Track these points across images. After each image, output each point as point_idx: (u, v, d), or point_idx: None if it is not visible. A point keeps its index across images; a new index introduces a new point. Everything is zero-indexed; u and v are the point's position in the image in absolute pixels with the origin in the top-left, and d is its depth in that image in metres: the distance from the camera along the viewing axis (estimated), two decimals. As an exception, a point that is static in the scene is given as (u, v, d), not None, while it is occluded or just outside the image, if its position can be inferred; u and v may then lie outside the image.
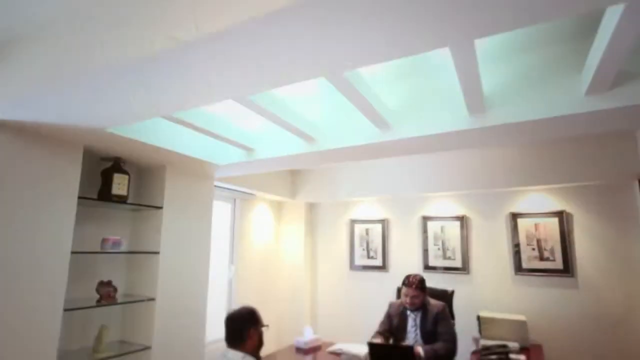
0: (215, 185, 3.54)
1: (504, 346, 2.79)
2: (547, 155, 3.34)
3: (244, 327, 1.90)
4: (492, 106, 1.90)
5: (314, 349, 3.01)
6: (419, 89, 2.12)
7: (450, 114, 2.00)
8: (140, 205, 2.69)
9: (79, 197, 2.22)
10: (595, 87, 1.62)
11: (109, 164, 2.50)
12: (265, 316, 4.60)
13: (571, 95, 1.73)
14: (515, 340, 3.02)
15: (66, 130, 1.99)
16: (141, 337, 2.62)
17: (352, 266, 4.39)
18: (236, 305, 3.88)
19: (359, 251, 4.38)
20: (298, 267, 4.52)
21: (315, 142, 2.40)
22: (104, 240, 2.41)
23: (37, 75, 1.52)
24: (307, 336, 3.11)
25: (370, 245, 4.33)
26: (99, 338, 2.36)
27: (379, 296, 4.01)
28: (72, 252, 2.16)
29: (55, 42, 1.50)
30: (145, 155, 2.55)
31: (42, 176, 2.05)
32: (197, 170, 2.99)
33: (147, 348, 2.56)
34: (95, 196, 2.42)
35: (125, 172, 2.51)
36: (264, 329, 2.03)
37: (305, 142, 2.42)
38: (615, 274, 3.20)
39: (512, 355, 2.76)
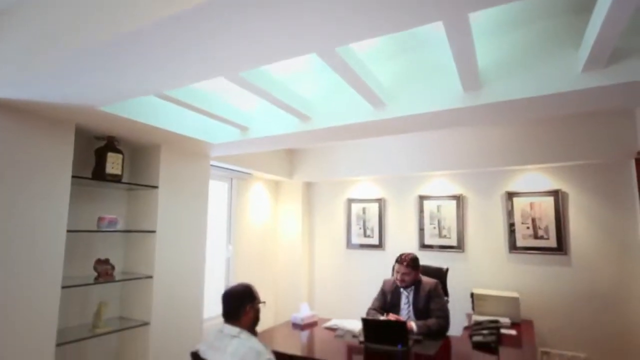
0: (211, 165, 3.54)
1: (496, 321, 2.84)
2: (543, 134, 3.32)
3: (240, 303, 1.94)
4: (487, 83, 1.87)
5: (310, 325, 3.08)
6: (413, 66, 2.08)
7: (444, 92, 1.97)
8: (135, 185, 2.69)
9: (73, 176, 2.22)
10: (591, 64, 1.59)
11: (102, 143, 2.49)
12: (263, 294, 4.67)
13: (567, 72, 1.70)
14: (507, 316, 3.09)
15: (56, 109, 1.97)
16: (140, 314, 2.68)
17: (349, 245, 4.44)
18: (234, 283, 3.96)
19: (355, 230, 4.42)
20: (295, 246, 4.57)
21: (310, 120, 2.38)
22: (99, 219, 2.43)
23: (24, 52, 1.49)
24: (304, 312, 3.16)
25: (367, 224, 4.36)
26: (97, 314, 2.41)
27: (375, 274, 4.07)
28: (68, 231, 2.18)
29: (42, 18, 1.47)
30: (140, 134, 2.53)
31: (34, 155, 2.05)
32: (192, 150, 2.98)
33: (146, 324, 2.62)
34: (89, 175, 2.42)
35: (119, 151, 2.51)
36: (260, 305, 2.07)
37: (300, 121, 2.40)
38: (608, 253, 3.24)
39: (503, 330, 2.83)
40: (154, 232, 2.69)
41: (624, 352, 3.11)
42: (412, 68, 2.09)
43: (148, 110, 2.33)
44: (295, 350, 2.45)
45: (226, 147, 2.89)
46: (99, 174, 2.39)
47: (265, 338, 2.74)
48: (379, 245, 4.25)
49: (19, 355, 1.94)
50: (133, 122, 2.28)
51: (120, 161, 2.48)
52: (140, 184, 2.72)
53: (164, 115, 2.44)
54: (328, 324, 3.07)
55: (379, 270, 4.05)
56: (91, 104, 1.88)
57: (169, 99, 2.14)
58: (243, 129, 2.63)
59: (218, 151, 3.05)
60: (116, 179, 2.46)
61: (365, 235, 4.36)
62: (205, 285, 3.16)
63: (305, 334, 2.88)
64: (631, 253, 3.15)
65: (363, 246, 4.35)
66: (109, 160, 2.41)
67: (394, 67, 2.13)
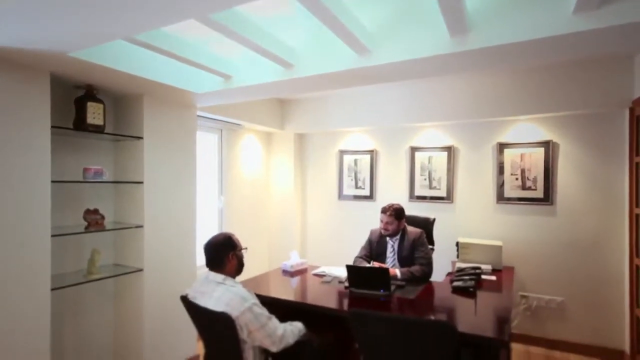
0: (199, 116, 3.49)
1: (477, 268, 2.95)
2: (537, 83, 3.24)
3: (221, 252, 2.00)
4: (474, 27, 1.78)
5: (299, 272, 3.20)
6: (399, 10, 1.97)
7: (431, 37, 1.88)
8: (119, 136, 2.66)
9: (53, 127, 2.19)
10: (582, 5, 1.49)
11: (82, 92, 2.42)
12: (256, 243, 4.84)
13: (558, 15, 1.61)
14: (489, 264, 3.20)
15: (26, 55, 1.89)
16: (133, 261, 2.77)
17: (341, 196, 4.50)
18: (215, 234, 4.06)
19: (347, 181, 4.45)
20: (288, 197, 4.63)
21: (293, 68, 2.29)
22: (85, 170, 2.43)
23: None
24: (293, 260, 3.28)
25: (359, 176, 4.38)
26: (91, 261, 2.49)
27: (365, 225, 4.13)
28: (53, 182, 2.19)
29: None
30: (120, 83, 2.46)
31: (9, 104, 2.00)
32: (176, 100, 2.91)
33: (140, 270, 2.72)
34: (71, 126, 2.38)
35: (99, 101, 2.45)
36: (243, 252, 2.13)
37: (284, 69, 2.32)
38: (593, 203, 3.29)
39: (483, 276, 2.95)
40: (141, 183, 2.70)
41: (597, 297, 3.26)
42: (398, 13, 1.97)
43: (128, 59, 2.24)
44: (283, 295, 2.57)
45: (211, 96, 2.82)
46: (80, 124, 2.35)
47: (256, 283, 2.86)
48: (370, 197, 4.30)
49: (15, 299, 2.03)
50: (111, 71, 2.20)
51: (101, 111, 2.43)
52: (125, 135, 2.69)
53: (145, 64, 2.36)
54: (317, 271, 3.19)
55: (370, 220, 4.13)
56: (61, 49, 1.80)
57: (150, 47, 2.05)
58: (226, 77, 2.55)
59: (204, 101, 2.98)
60: (98, 129, 2.43)
61: (356, 187, 4.40)
62: (198, 234, 3.24)
63: (294, 280, 3.00)
64: (615, 204, 3.19)
65: (354, 197, 4.41)
66: (90, 110, 2.36)
67: (379, 12, 2.01)
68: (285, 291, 2.73)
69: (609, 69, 2.98)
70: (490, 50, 1.82)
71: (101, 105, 2.44)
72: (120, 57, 2.20)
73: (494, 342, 1.79)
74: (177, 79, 2.57)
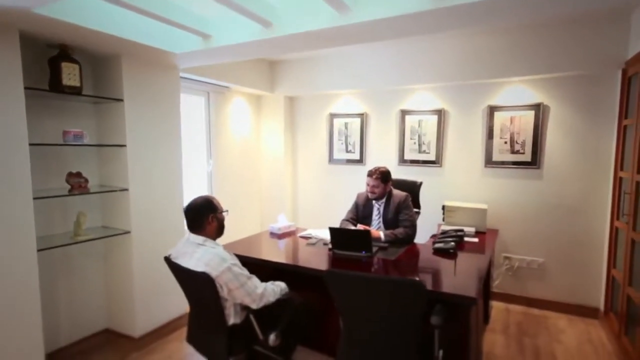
0: (184, 78, 3.41)
1: (460, 231, 3.00)
2: (529, 44, 3.15)
3: (201, 214, 2.02)
4: (456, -19, 1.69)
5: (287, 234, 3.25)
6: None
7: (412, -8, 1.79)
8: (98, 98, 2.61)
9: (27, 88, 2.13)
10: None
11: (55, 52, 2.34)
12: (247, 206, 4.88)
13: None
14: (474, 226, 3.25)
15: (-10, 12, 1.81)
16: (121, 223, 2.81)
17: (331, 160, 4.49)
18: (216, 197, 4.10)
19: (337, 145, 4.43)
20: (278, 160, 4.62)
21: (273, 27, 2.21)
22: (64, 133, 2.40)
23: None
24: (281, 223, 3.32)
25: (349, 140, 4.36)
26: (77, 223, 2.53)
27: (355, 189, 4.13)
28: (31, 144, 2.17)
29: None
30: (94, 43, 2.38)
31: (-22, 64, 1.94)
32: (156, 60, 2.82)
33: (127, 232, 2.77)
34: (47, 87, 2.33)
35: (74, 61, 2.37)
36: (224, 215, 2.15)
37: (263, 28, 2.23)
38: (580, 167, 3.29)
39: (466, 238, 3.01)
40: (124, 146, 2.68)
41: (576, 258, 3.35)
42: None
43: (102, 18, 2.16)
44: (267, 256, 2.62)
45: (192, 57, 2.74)
46: (56, 85, 2.29)
47: (244, 245, 2.92)
48: (360, 161, 4.30)
49: (1, 260, 2.07)
50: (83, 29, 2.12)
51: (77, 72, 2.37)
52: (103, 96, 2.64)
53: (121, 24, 2.27)
54: (303, 233, 3.24)
55: (360, 184, 4.13)
56: (24, 4, 1.72)
57: (125, 4, 1.97)
58: (205, 37, 2.46)
59: (185, 62, 2.90)
60: (75, 90, 2.37)
61: (347, 151, 4.39)
62: (186, 197, 3.25)
63: (281, 242, 3.06)
64: (601, 168, 3.19)
65: (345, 161, 4.40)
66: (65, 70, 2.30)
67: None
68: (270, 253, 2.79)
69: (604, 28, 2.87)
70: (474, 5, 1.74)
71: (76, 66, 2.37)
72: (93, 16, 2.12)
73: (464, 299, 1.85)
74: (155, 38, 2.49)
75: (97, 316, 2.92)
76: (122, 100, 2.63)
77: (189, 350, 2.67)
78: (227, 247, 2.80)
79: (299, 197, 4.77)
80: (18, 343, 2.13)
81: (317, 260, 2.58)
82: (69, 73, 2.32)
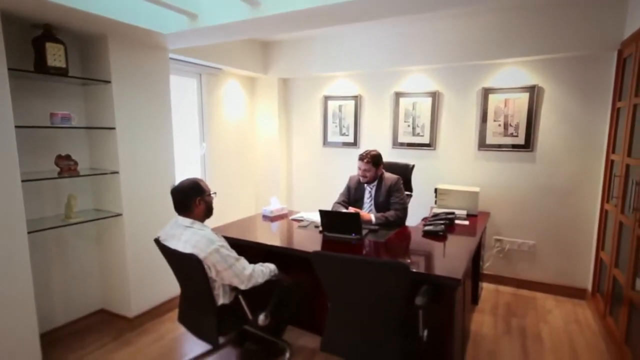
0: (174, 59, 3.36)
1: (451, 213, 3.02)
2: (524, 24, 3.09)
3: (187, 197, 2.02)
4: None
5: (279, 217, 3.27)
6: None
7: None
8: (84, 79, 2.57)
9: (11, 69, 2.10)
10: None
11: (39, 32, 2.30)
12: (242, 189, 4.88)
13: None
14: (465, 209, 3.26)
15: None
16: (112, 206, 2.82)
17: (325, 143, 4.47)
18: (210, 180, 4.10)
19: (331, 128, 4.41)
20: (273, 143, 4.61)
21: (260, 7, 2.16)
22: (52, 115, 2.38)
23: None
24: (273, 205, 3.34)
25: (343, 122, 4.33)
26: (68, 205, 2.54)
27: (350, 171, 4.14)
28: (18, 127, 2.15)
29: None
30: (79, 22, 2.33)
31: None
32: (144, 41, 2.77)
33: (119, 215, 2.78)
34: (31, 68, 2.29)
35: (59, 42, 2.33)
36: (213, 197, 2.16)
37: (250, 7, 2.19)
38: (572, 149, 3.28)
39: (457, 221, 3.03)
40: (113, 129, 2.67)
41: (566, 241, 3.38)
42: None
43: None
44: (260, 239, 2.63)
45: (180, 38, 2.69)
46: (41, 66, 2.26)
47: (236, 228, 2.94)
48: (354, 144, 4.28)
49: (-8, 242, 2.09)
50: (66, 9, 2.07)
51: (62, 52, 2.33)
52: (90, 78, 2.60)
53: (106, 3, 2.22)
54: (295, 216, 3.26)
55: (353, 167, 4.13)
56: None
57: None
58: (192, 16, 2.41)
59: (173, 43, 2.85)
60: (61, 72, 2.34)
61: (341, 134, 4.36)
62: (178, 180, 3.23)
63: (274, 225, 3.08)
64: (594, 151, 3.19)
65: (339, 144, 4.38)
66: (49, 51, 2.26)
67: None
68: (262, 235, 2.81)
69: (600, 8, 2.82)
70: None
71: (61, 46, 2.33)
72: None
73: (450, 280, 1.88)
74: (142, 18, 2.44)
75: (92, 297, 2.96)
76: (109, 82, 2.60)
77: (183, 330, 2.71)
78: (219, 229, 2.85)
79: (294, 179, 4.78)
80: (11, 323, 2.16)
81: (308, 242, 2.60)
82: (53, 54, 2.28)
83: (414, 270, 1.93)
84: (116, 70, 2.63)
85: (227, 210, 4.27)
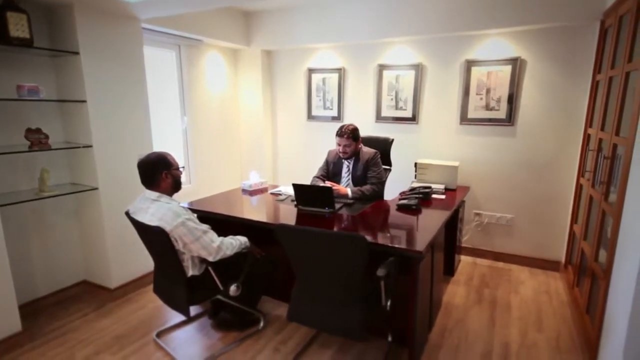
0: (149, 29, 3.27)
1: (428, 187, 3.04)
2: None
3: (153, 170, 2.02)
4: None
5: (259, 191, 3.29)
6: None
7: None
8: (51, 50, 2.51)
9: (-29, 40, 2.06)
10: None
11: (0, 1, 2.23)
12: (227, 163, 4.87)
13: None
14: (444, 183, 3.28)
15: None
16: (88, 180, 2.82)
17: (310, 117, 4.43)
18: (192, 154, 4.09)
19: (315, 102, 4.36)
20: (257, 116, 4.56)
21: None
22: (18, 87, 2.34)
23: None
24: (252, 179, 3.35)
25: (327, 96, 4.27)
26: (41, 179, 2.54)
27: (333, 145, 4.15)
28: (-18, 99, 2.12)
29: None
30: (41, -10, 2.26)
31: None
32: (112, 10, 2.68)
33: (95, 189, 2.79)
34: (-6, 39, 2.24)
35: (22, 11, 2.26)
36: (181, 170, 2.16)
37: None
38: (553, 123, 3.26)
39: (434, 195, 3.05)
40: (84, 101, 2.63)
41: (543, 215, 3.41)
42: None
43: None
44: (234, 212, 2.65)
45: (150, 6, 2.61)
46: (3, 37, 2.20)
47: (213, 201, 2.96)
48: (338, 117, 4.25)
49: (-37, 214, 2.10)
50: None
51: (25, 22, 2.26)
52: (57, 49, 2.54)
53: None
54: (273, 190, 3.28)
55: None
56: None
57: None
58: (159, -17, 2.33)
59: (144, 12, 2.77)
60: (24, 42, 2.28)
61: (325, 108, 4.32)
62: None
63: (252, 199, 3.10)
64: (574, 125, 3.17)
65: (323, 118, 4.35)
66: (11, 21, 2.19)
67: None
68: (236, 209, 2.83)
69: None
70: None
71: (24, 16, 2.26)
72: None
73: (413, 252, 1.91)
74: (107, -15, 2.36)
75: (73, 268, 3.01)
76: (77, 53, 2.54)
77: (162, 300, 2.80)
78: (197, 203, 2.87)
79: (279, 153, 4.77)
80: (-12, 294, 2.22)
81: (282, 216, 2.63)
82: (16, 24, 2.22)
83: (373, 242, 1.97)
84: (84, 41, 2.57)
85: (211, 183, 4.29)
